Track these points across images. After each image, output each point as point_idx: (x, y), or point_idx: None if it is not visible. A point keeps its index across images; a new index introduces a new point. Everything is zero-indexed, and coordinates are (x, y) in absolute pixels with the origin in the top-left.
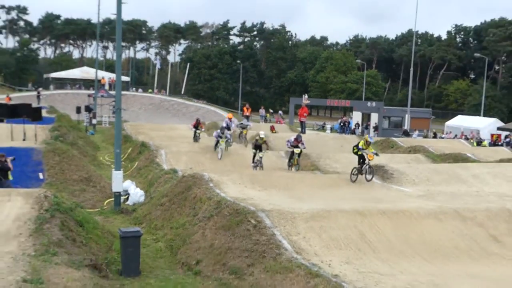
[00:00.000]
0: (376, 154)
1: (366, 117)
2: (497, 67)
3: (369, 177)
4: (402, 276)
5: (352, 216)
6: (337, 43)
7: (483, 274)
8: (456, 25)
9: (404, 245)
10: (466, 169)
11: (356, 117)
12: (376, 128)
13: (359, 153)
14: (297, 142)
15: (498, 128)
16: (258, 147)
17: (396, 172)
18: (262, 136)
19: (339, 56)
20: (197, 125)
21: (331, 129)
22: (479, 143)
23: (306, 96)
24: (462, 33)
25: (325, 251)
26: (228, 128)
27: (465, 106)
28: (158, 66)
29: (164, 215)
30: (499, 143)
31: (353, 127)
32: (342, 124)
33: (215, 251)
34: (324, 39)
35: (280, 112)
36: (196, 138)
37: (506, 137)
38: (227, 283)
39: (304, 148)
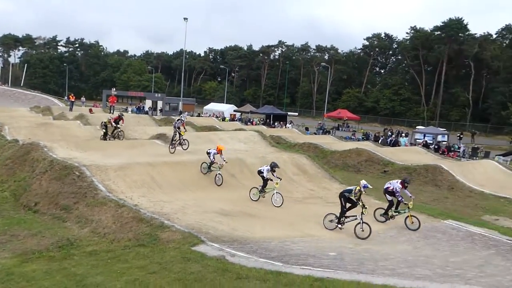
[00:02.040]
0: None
1: (154, 103)
2: (233, 74)
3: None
4: (178, 202)
5: (145, 166)
6: (135, 55)
7: (225, 197)
8: (209, 48)
9: (180, 183)
10: (216, 135)
11: (148, 103)
12: (161, 110)
13: None
14: (404, 186)
15: (234, 111)
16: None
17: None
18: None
19: (136, 63)
20: (118, 121)
21: (132, 111)
22: (223, 119)
23: (114, 89)
24: (213, 52)
25: (128, 190)
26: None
27: (215, 97)
28: (0, 65)
29: (8, 172)
30: (235, 119)
31: (146, 109)
32: (138, 107)
33: (49, 195)
34: (126, 52)
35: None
36: (114, 134)
37: (240, 116)
38: (59, 216)
39: None
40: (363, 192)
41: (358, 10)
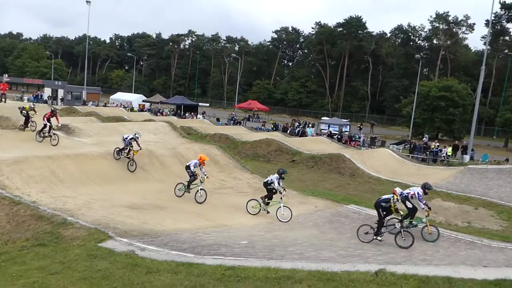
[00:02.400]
0: None
1: (55, 92)
2: (142, 63)
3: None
4: (82, 197)
5: (44, 159)
6: (31, 38)
7: (135, 190)
8: (115, 34)
9: (84, 177)
10: (123, 126)
11: (48, 92)
12: (62, 99)
13: None
14: (424, 192)
15: (143, 101)
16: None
17: (76, 129)
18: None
19: (32, 48)
20: (50, 118)
21: (28, 100)
22: (132, 109)
23: (6, 75)
24: (119, 39)
25: (25, 186)
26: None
27: (123, 86)
28: None
29: None
30: (144, 110)
31: (45, 98)
32: (35, 96)
33: None
34: (20, 34)
35: None
36: (44, 134)
37: (149, 106)
38: None
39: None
40: (399, 199)
41: (267, 2)
